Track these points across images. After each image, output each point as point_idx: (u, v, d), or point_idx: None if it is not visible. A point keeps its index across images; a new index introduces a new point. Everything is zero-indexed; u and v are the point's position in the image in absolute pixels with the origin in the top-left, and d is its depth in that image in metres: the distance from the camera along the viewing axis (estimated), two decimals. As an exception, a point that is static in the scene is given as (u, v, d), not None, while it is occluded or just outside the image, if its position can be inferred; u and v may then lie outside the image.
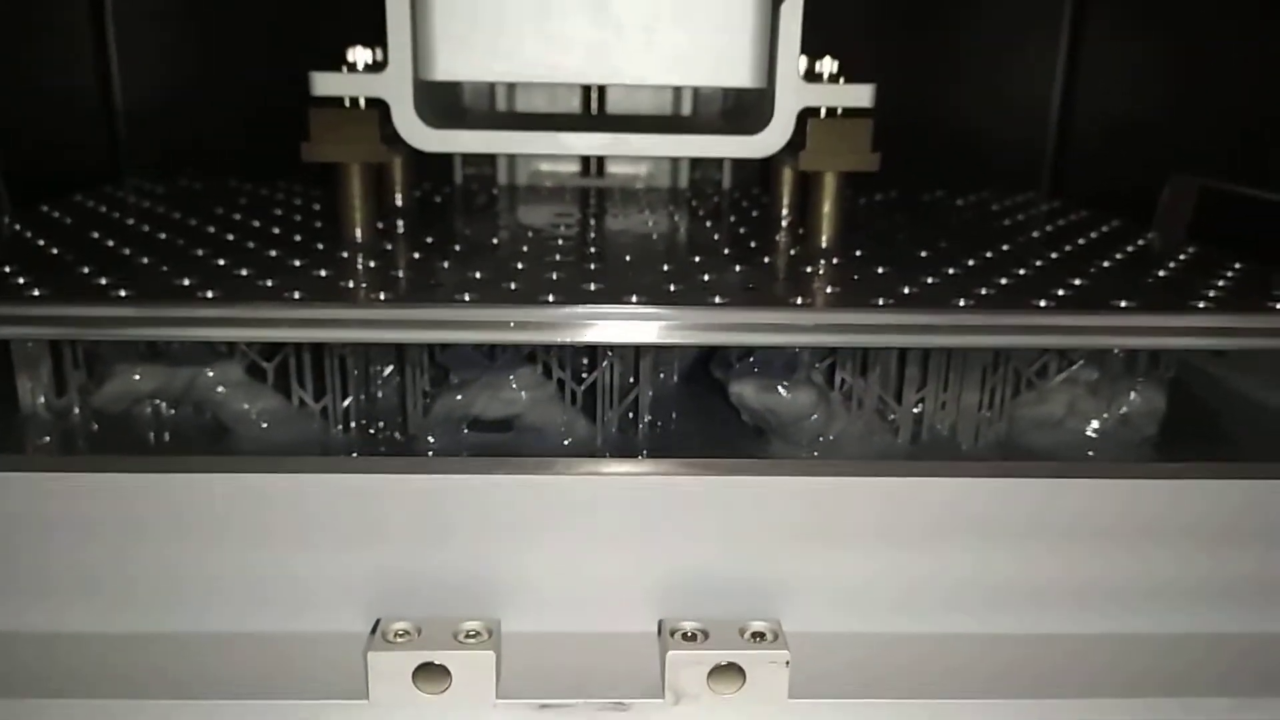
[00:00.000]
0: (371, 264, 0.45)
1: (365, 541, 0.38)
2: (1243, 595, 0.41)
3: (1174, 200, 0.62)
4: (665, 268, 0.46)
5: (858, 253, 0.49)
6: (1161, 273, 0.47)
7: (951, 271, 0.46)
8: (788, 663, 0.33)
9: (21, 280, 0.40)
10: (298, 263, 0.44)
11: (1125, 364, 0.45)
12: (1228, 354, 0.50)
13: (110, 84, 0.75)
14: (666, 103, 0.69)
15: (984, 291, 0.42)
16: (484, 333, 0.39)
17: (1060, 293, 0.42)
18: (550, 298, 0.39)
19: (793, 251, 0.50)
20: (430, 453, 0.42)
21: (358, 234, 0.48)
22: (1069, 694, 0.37)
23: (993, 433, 0.45)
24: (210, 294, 0.39)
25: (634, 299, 0.39)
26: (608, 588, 0.38)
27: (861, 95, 0.46)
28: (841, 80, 0.47)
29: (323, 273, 0.43)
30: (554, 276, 0.43)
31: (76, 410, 0.46)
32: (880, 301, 0.40)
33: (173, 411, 0.47)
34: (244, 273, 0.43)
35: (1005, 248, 0.52)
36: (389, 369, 0.48)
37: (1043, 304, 0.40)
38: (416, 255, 0.47)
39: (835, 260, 0.48)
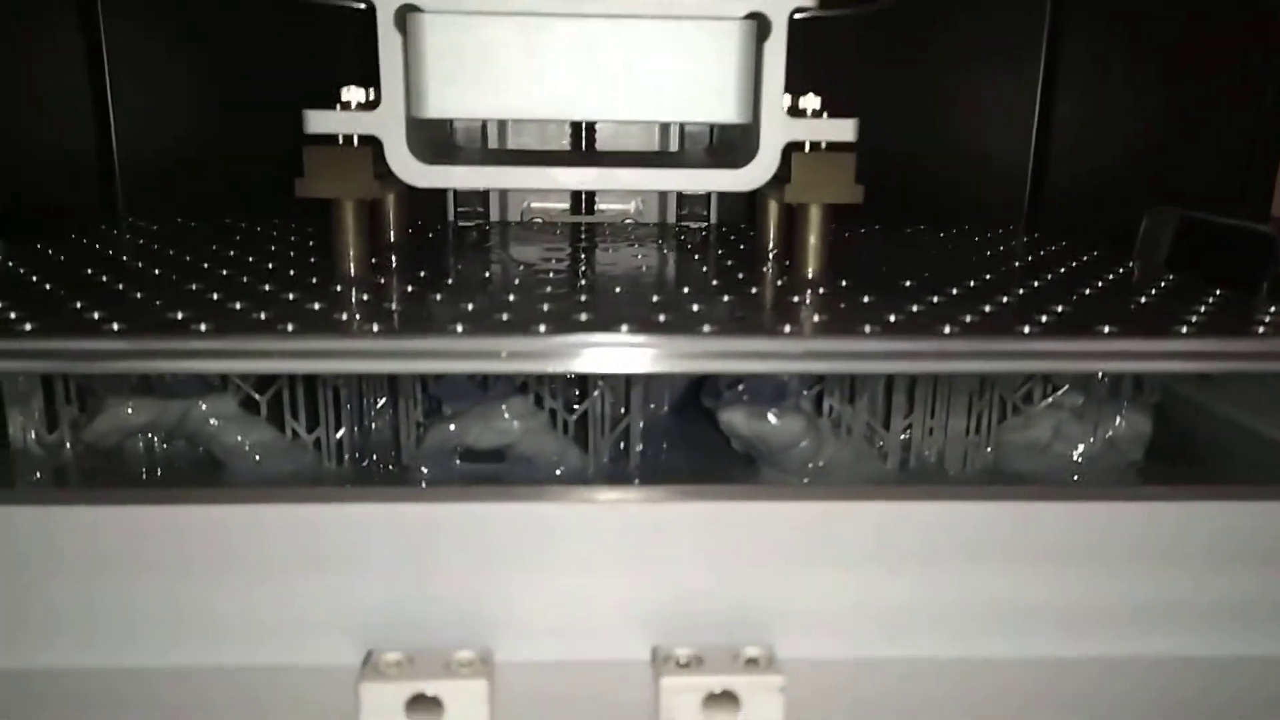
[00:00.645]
0: (365, 297, 0.45)
1: (357, 572, 0.38)
2: (1233, 618, 0.41)
3: (1152, 231, 0.64)
4: (655, 299, 0.47)
5: (843, 283, 0.50)
6: (1143, 299, 0.48)
7: (935, 300, 0.46)
8: (782, 688, 0.33)
9: (12, 315, 0.40)
10: (291, 296, 0.45)
11: (1110, 389, 0.45)
12: (1212, 379, 0.51)
13: (108, 129, 0.76)
14: (654, 140, 0.70)
15: (969, 319, 0.43)
16: (476, 362, 0.39)
17: (1044, 319, 0.43)
18: (542, 328, 0.40)
19: (780, 282, 0.51)
20: (423, 483, 0.42)
21: (351, 269, 0.49)
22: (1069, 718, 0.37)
23: (980, 458, 0.46)
24: (203, 327, 0.39)
25: (624, 328, 0.40)
26: (601, 615, 0.38)
27: (844, 130, 0.47)
28: (825, 115, 0.48)
29: (316, 306, 0.43)
30: (545, 308, 0.44)
31: (68, 445, 0.46)
32: (867, 329, 0.40)
33: (165, 446, 0.47)
34: (237, 306, 0.43)
35: (988, 277, 0.53)
36: (382, 400, 0.48)
37: (1027, 330, 0.41)
38: (409, 289, 0.48)
39: (821, 290, 0.48)
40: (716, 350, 0.40)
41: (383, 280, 0.49)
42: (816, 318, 0.43)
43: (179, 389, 0.44)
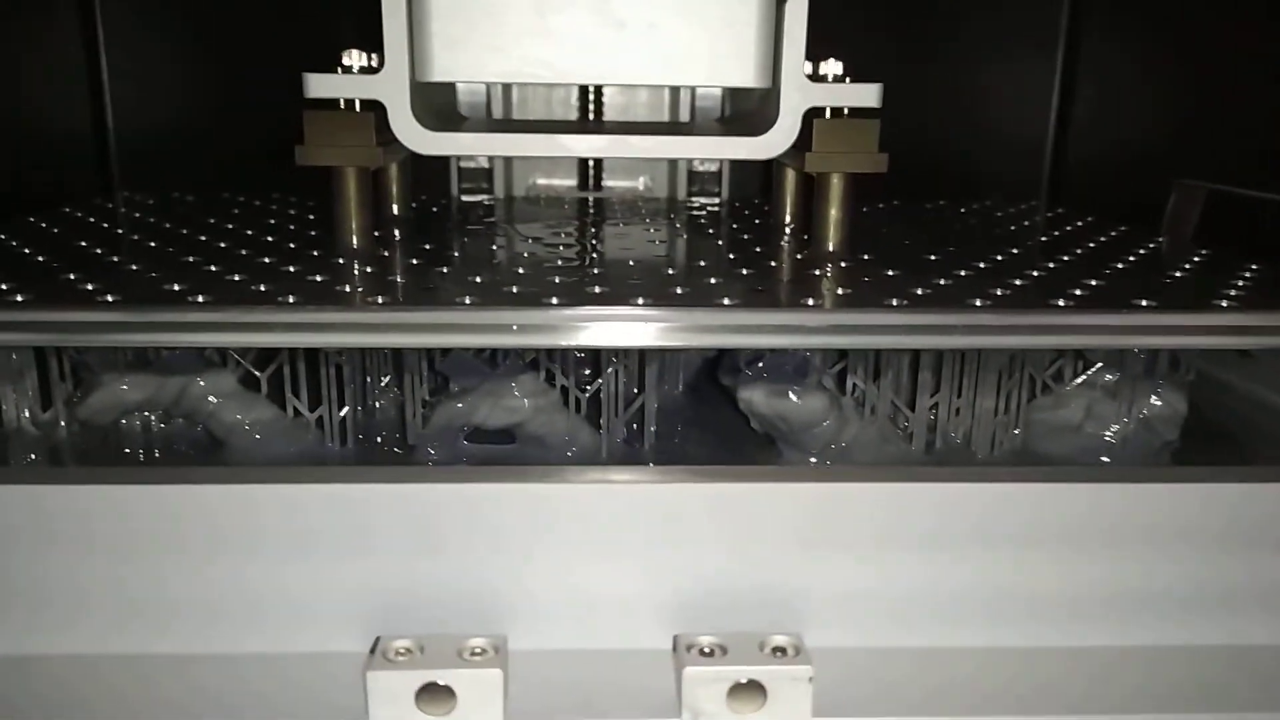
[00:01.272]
0: (368, 269, 0.43)
1: (363, 556, 0.36)
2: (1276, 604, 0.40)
3: (1180, 205, 0.62)
4: (669, 272, 0.45)
5: (865, 257, 0.48)
6: (1177, 274, 0.46)
7: (962, 274, 0.45)
8: (811, 679, 0.32)
9: (3, 287, 0.39)
10: (292, 269, 0.43)
11: (1146, 367, 0.44)
12: (1250, 356, 0.49)
13: (103, 104, 0.74)
14: (664, 110, 0.68)
15: (999, 292, 0.41)
16: (485, 336, 0.37)
17: (1077, 293, 0.41)
18: (554, 300, 0.38)
19: (799, 256, 0.49)
20: (430, 464, 0.41)
21: (354, 241, 0.47)
22: (1112, 710, 0.35)
23: (1008, 439, 0.44)
24: (200, 298, 0.38)
25: (640, 301, 0.38)
26: (619, 602, 0.36)
27: (868, 95, 0.45)
28: (847, 80, 0.46)
29: (318, 278, 0.42)
30: (556, 280, 0.42)
31: (62, 424, 0.44)
32: (894, 302, 0.39)
33: (163, 425, 0.45)
34: (236, 278, 0.41)
35: (1015, 251, 0.51)
36: (387, 378, 0.47)
37: (1061, 304, 0.39)
38: (414, 261, 0.46)
39: (843, 264, 0.46)
40: (736, 324, 0.38)
41: (386, 253, 0.48)
42: (840, 291, 0.41)
43: (176, 365, 0.43)
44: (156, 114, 0.74)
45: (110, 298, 0.38)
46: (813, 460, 0.42)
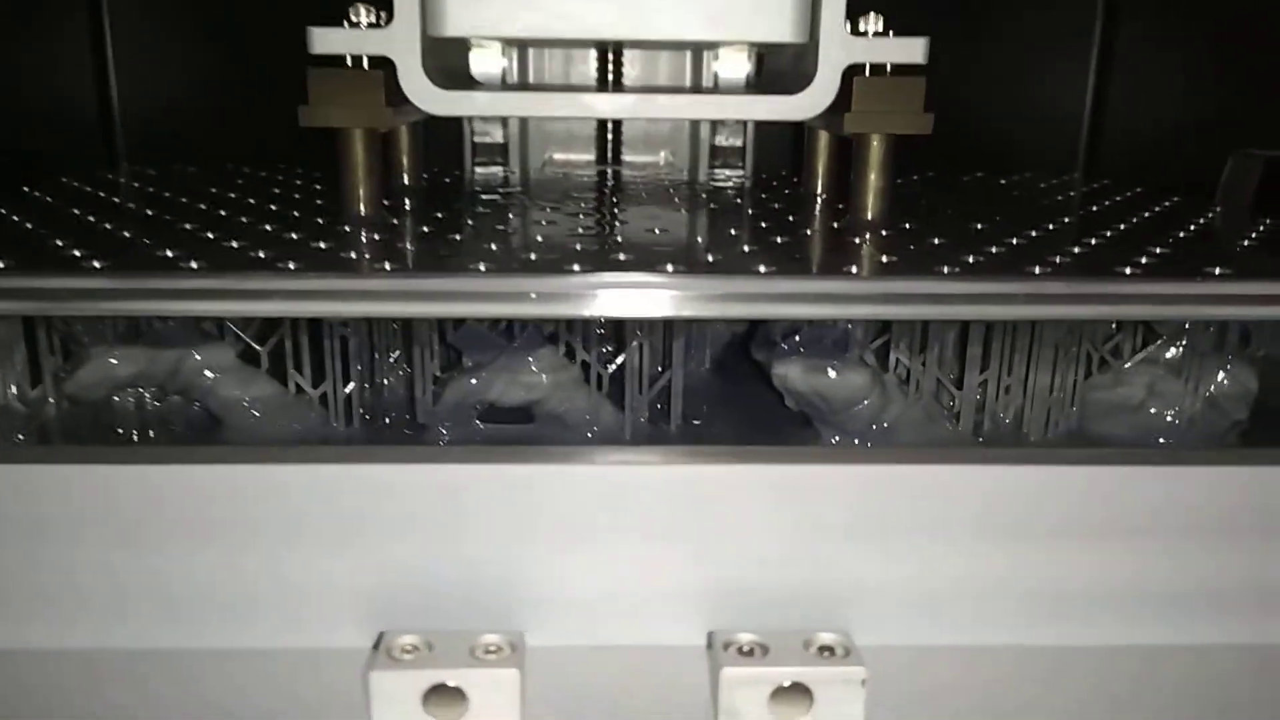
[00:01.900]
0: (376, 236, 0.41)
1: (369, 543, 0.33)
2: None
3: (1236, 176, 0.58)
4: (699, 239, 0.42)
5: (907, 225, 0.45)
6: (1245, 243, 0.43)
7: (1014, 241, 0.41)
8: (864, 681, 0.29)
9: (-12, 253, 0.36)
10: (294, 236, 0.40)
11: (1215, 341, 0.40)
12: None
13: (107, 77, 0.72)
14: (685, 75, 0.65)
15: (1058, 260, 0.38)
16: (500, 305, 0.34)
17: (1143, 261, 0.38)
18: (574, 267, 0.35)
19: (836, 224, 0.46)
20: (441, 444, 0.38)
21: (361, 208, 0.44)
22: (1194, 713, 0.32)
23: (1063, 418, 0.41)
24: (194, 264, 0.35)
25: (668, 268, 0.35)
26: (648, 594, 0.33)
27: (914, 50, 0.42)
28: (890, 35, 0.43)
29: (322, 245, 0.39)
30: (578, 248, 0.39)
31: (51, 400, 0.42)
32: (945, 270, 0.36)
33: (158, 403, 0.43)
34: (234, 245, 0.38)
35: (1067, 220, 0.48)
36: (396, 353, 0.44)
37: (1129, 272, 0.36)
38: (426, 229, 0.43)
39: (884, 232, 0.43)
40: (772, 292, 0.35)
41: (396, 221, 0.45)
42: (884, 259, 0.38)
43: (171, 338, 0.40)
44: (163, 87, 0.72)
45: (97, 264, 0.35)
46: (855, 442, 0.39)
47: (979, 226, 0.45)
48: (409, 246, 0.40)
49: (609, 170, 0.68)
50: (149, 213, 0.46)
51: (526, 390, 0.39)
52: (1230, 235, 0.45)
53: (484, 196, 0.55)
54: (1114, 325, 0.42)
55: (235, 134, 0.69)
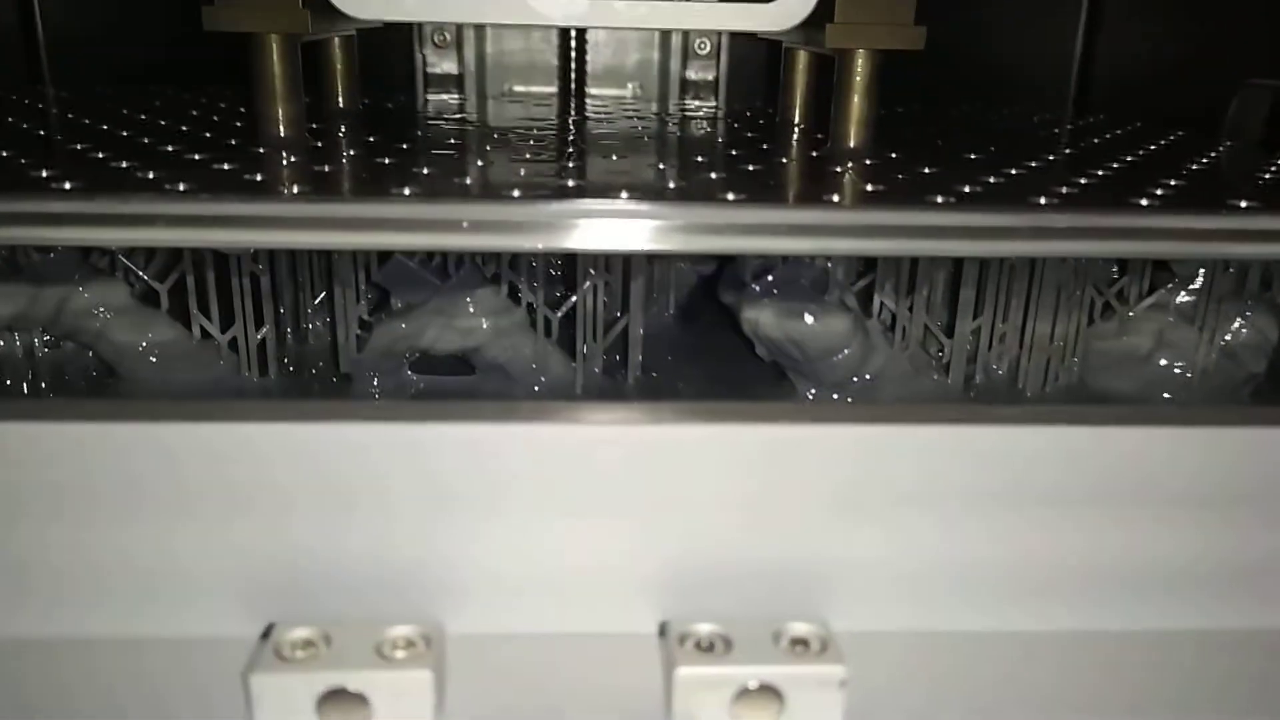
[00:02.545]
0: (292, 159, 0.35)
1: (261, 513, 0.28)
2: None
3: (1244, 110, 0.54)
4: (661, 166, 0.38)
5: (893, 154, 0.40)
6: (1266, 176, 0.39)
7: (1013, 172, 0.37)
8: (842, 683, 0.24)
9: None
10: (197, 157, 0.35)
11: (1233, 285, 0.36)
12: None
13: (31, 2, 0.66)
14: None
15: (1064, 191, 0.33)
16: (430, 235, 0.30)
17: (1158, 193, 0.33)
18: (516, 193, 0.30)
19: (815, 153, 0.41)
20: (375, 395, 0.33)
21: (280, 129, 0.39)
22: (1217, 708, 0.29)
23: (1063, 370, 0.37)
24: (69, 185, 0.30)
25: (624, 195, 0.30)
26: (591, 576, 0.29)
27: (905, -47, 0.37)
28: (878, -63, 0.38)
29: (226, 167, 0.34)
30: (522, 173, 0.34)
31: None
32: (939, 199, 0.31)
33: (47, 350, 0.38)
34: (123, 165, 0.33)
35: (1068, 152, 0.43)
36: (319, 297, 0.39)
37: (1145, 204, 0.32)
38: (352, 153, 0.38)
39: (869, 161, 0.39)
40: (743, 223, 0.30)
41: (320, 145, 0.39)
42: (869, 188, 0.34)
43: (56, 273, 0.35)
44: (90, 6, 0.66)
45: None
46: (834, 396, 0.35)
47: (972, 157, 0.41)
48: (327, 169, 0.35)
49: (572, 101, 0.63)
50: (40, 134, 0.41)
51: (463, 336, 0.35)
52: (1244, 170, 0.41)
53: (429, 123, 0.49)
54: (1116, 268, 0.38)
55: (167, 55, 0.63)
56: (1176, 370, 0.37)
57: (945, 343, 0.37)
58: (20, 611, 0.29)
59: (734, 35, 0.63)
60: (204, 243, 0.31)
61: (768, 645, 0.25)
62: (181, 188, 0.30)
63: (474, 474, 0.28)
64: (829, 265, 0.35)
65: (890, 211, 0.31)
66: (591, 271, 0.35)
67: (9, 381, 0.35)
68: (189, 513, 0.28)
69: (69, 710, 0.26)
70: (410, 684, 0.23)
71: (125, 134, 0.41)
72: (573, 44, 0.65)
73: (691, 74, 0.66)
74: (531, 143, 0.42)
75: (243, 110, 0.49)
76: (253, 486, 0.28)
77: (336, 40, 0.49)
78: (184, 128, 0.43)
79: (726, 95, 0.65)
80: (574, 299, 0.36)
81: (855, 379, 0.35)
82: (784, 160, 0.40)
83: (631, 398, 0.35)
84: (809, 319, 0.34)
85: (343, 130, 0.45)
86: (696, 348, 0.40)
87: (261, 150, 0.37)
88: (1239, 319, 0.36)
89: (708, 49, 0.64)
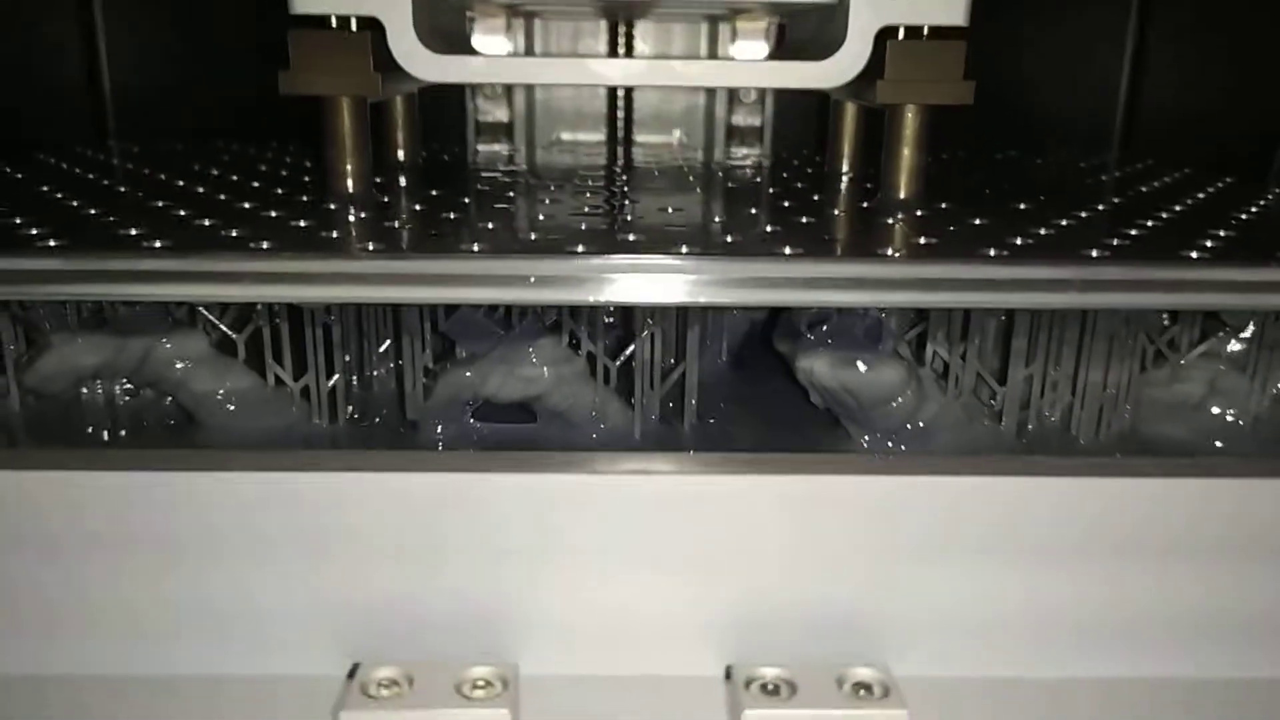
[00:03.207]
0: (362, 215, 0.37)
1: (344, 559, 0.29)
2: None
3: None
4: (716, 219, 0.39)
5: (943, 205, 0.41)
6: (1317, 227, 0.39)
7: (1064, 223, 0.38)
8: (905, 724, 0.25)
9: (-70, 230, 0.33)
10: (273, 214, 0.37)
11: (1284, 333, 0.37)
12: None
13: (97, 50, 0.68)
14: (701, 47, 0.61)
15: (1115, 243, 0.34)
16: (496, 290, 0.31)
17: (1209, 245, 0.34)
18: (579, 248, 0.32)
19: (866, 204, 0.42)
20: (439, 445, 0.34)
21: (348, 185, 0.41)
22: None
23: (1115, 418, 0.37)
24: (158, 244, 0.31)
25: (682, 249, 0.32)
26: (658, 621, 0.30)
27: (954, 10, 0.38)
28: (927, -4, 0.39)
29: (302, 223, 0.35)
30: (583, 228, 0.35)
31: (11, 394, 0.38)
32: (992, 253, 0.32)
33: (130, 398, 0.39)
34: (206, 223, 0.35)
35: (1116, 201, 0.44)
36: (381, 344, 0.40)
37: (1195, 256, 0.32)
38: (418, 208, 0.40)
39: (920, 212, 0.40)
40: (798, 276, 0.31)
41: (386, 199, 0.41)
42: (922, 240, 0.35)
43: (139, 325, 0.36)
44: (153, 62, 0.68)
45: (53, 243, 0.32)
46: (889, 444, 0.35)
47: (1021, 207, 0.41)
48: (398, 226, 0.36)
49: (620, 149, 0.65)
50: (121, 190, 0.43)
51: (525, 384, 0.36)
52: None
53: (485, 174, 0.51)
54: (1165, 318, 0.39)
55: (230, 110, 0.65)
56: (1229, 418, 0.37)
57: (998, 390, 0.37)
58: (127, 651, 0.30)
59: (783, 86, 0.64)
60: (287, 298, 0.32)
61: (831, 689, 0.25)
62: (265, 245, 0.31)
63: (546, 521, 0.29)
64: (882, 315, 0.36)
65: (943, 265, 0.31)
66: (649, 321, 0.36)
67: (91, 429, 0.36)
68: (283, 557, 0.29)
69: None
70: (490, 724, 0.24)
71: (200, 190, 0.43)
72: (619, 90, 0.66)
73: (737, 120, 0.66)
74: (587, 194, 0.43)
75: (308, 164, 0.51)
76: (338, 533, 0.29)
77: (400, 97, 0.50)
78: (255, 183, 0.45)
79: (773, 141, 0.65)
80: (632, 348, 0.37)
81: (909, 426, 0.36)
82: (835, 211, 0.41)
83: (688, 442, 0.36)
84: (863, 368, 0.35)
85: (404, 183, 0.46)
86: (751, 394, 0.40)
87: (332, 206, 0.39)
88: (1292, 367, 0.36)
89: (753, 96, 0.65)
